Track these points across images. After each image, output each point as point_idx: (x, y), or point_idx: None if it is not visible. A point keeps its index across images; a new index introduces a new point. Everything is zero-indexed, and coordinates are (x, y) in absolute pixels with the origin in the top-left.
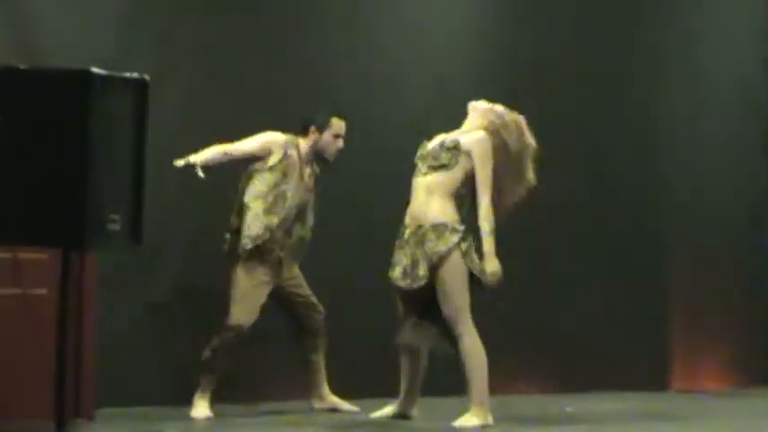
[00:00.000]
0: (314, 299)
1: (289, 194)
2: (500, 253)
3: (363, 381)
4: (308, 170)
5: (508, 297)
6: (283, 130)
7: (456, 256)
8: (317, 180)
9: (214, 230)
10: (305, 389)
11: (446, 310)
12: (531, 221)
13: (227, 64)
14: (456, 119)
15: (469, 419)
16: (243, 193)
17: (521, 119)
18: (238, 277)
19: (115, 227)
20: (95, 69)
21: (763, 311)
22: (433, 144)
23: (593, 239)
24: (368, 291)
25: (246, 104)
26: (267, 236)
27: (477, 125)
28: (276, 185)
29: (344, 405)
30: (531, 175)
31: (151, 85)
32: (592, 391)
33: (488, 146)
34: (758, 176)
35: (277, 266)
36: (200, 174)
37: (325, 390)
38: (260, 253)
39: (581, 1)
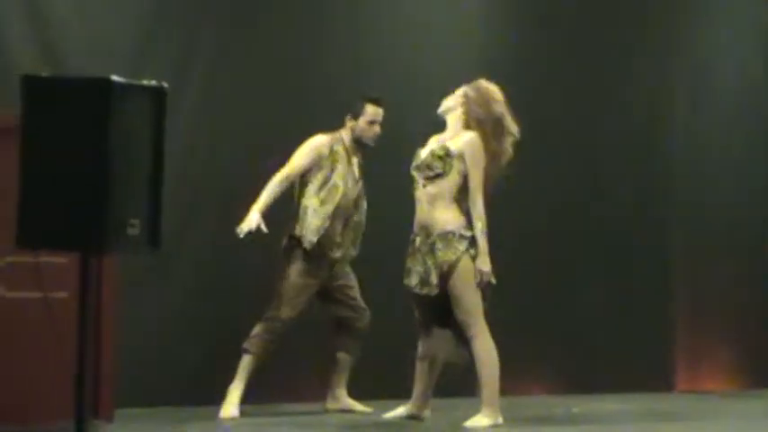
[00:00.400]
0: (362, 302)
1: (340, 184)
2: (504, 254)
3: (377, 382)
4: (354, 160)
5: (515, 298)
6: (298, 134)
7: (465, 262)
8: (363, 168)
9: (230, 232)
10: (319, 390)
11: (459, 314)
12: (535, 222)
13: (242, 72)
14: None
15: (480, 420)
16: (300, 198)
17: (491, 88)
18: (291, 273)
19: (134, 231)
20: (115, 77)
21: (763, 318)
22: (425, 153)
23: (597, 240)
24: (380, 291)
25: (262, 111)
26: (327, 224)
27: (459, 121)
28: (326, 180)
29: (358, 406)
30: (506, 146)
31: (169, 92)
32: (597, 392)
33: (478, 144)
34: (761, 177)
35: (330, 267)
36: (264, 229)
37: (343, 391)
38: (319, 251)
39: (583, 0)
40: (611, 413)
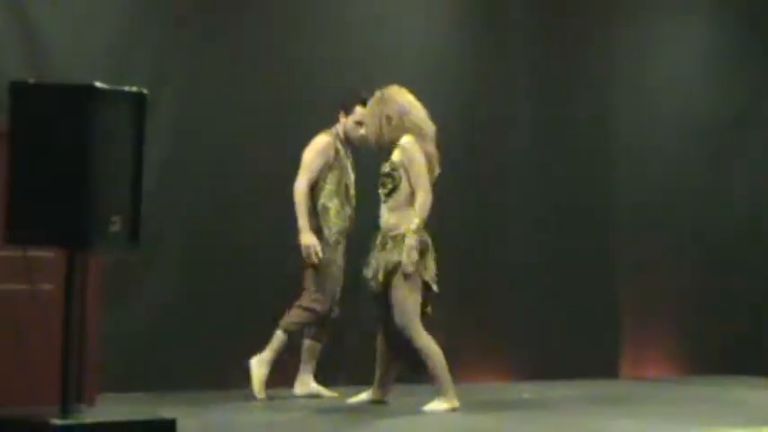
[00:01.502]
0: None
1: (350, 184)
2: (457, 248)
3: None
4: (349, 153)
5: (468, 290)
6: (277, 136)
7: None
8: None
9: (210, 231)
10: (288, 375)
11: (395, 314)
12: (484, 219)
13: (221, 75)
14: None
15: (438, 404)
16: (319, 197)
17: (392, 90)
18: (322, 266)
19: (115, 228)
20: (98, 84)
21: (705, 306)
22: (382, 170)
23: (548, 236)
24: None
25: (241, 113)
26: (348, 224)
27: (394, 131)
28: (340, 180)
29: (325, 391)
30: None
31: (149, 96)
32: (547, 378)
33: (413, 146)
34: (696, 181)
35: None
36: (320, 253)
37: (310, 377)
38: (339, 242)
39: (532, 21)
40: (559, 398)
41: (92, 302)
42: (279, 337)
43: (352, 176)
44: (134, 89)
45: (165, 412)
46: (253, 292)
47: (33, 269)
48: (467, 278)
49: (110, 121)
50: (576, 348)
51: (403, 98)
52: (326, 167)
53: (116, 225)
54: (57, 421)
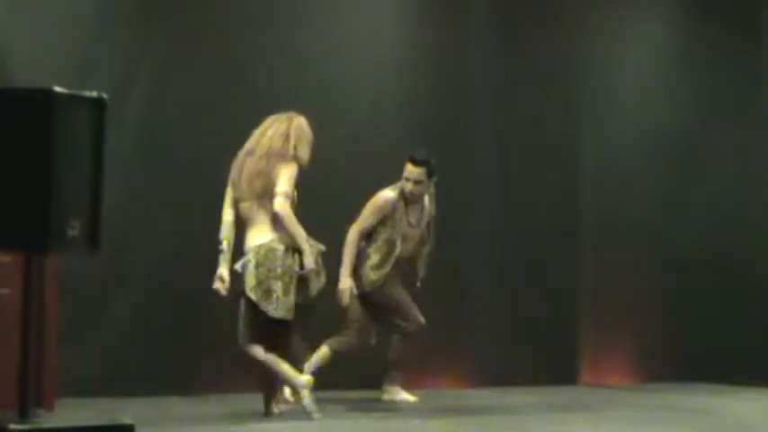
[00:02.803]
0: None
1: (397, 241)
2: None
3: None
4: (409, 208)
5: (428, 296)
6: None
7: None
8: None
9: (181, 233)
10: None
11: None
12: (449, 221)
13: (185, 77)
14: (396, 130)
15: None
16: (368, 245)
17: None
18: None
19: (75, 232)
20: (58, 89)
21: (665, 313)
22: None
23: (507, 242)
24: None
25: (204, 116)
26: (381, 282)
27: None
28: (388, 239)
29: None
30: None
31: (115, 100)
32: (506, 385)
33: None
34: (657, 186)
35: None
36: (355, 291)
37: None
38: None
39: (497, 34)
40: (518, 404)
41: (50, 307)
42: (324, 353)
43: (413, 228)
44: (94, 94)
45: (126, 418)
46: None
47: None
48: (425, 286)
49: (69, 126)
50: (534, 355)
51: None
52: (380, 225)
53: (75, 229)
54: (15, 426)
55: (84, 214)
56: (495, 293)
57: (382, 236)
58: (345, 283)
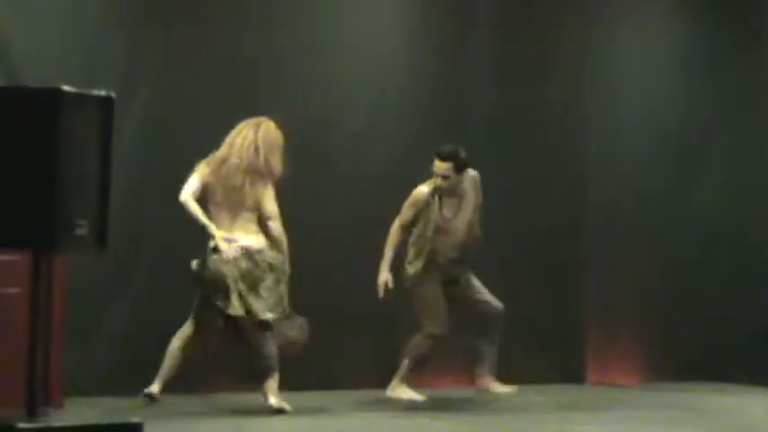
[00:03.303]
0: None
1: (429, 235)
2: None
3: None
4: (444, 201)
5: None
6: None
7: None
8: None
9: (184, 231)
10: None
11: None
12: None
13: (186, 77)
14: (395, 130)
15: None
16: (407, 239)
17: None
18: (416, 294)
19: (83, 231)
20: (66, 87)
21: (673, 311)
22: None
23: (512, 239)
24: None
25: (205, 116)
26: (420, 272)
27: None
28: (421, 233)
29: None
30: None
31: (118, 99)
32: (514, 383)
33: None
34: (662, 185)
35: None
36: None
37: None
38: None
39: (498, 19)
40: (525, 404)
41: (58, 306)
42: (406, 364)
43: (449, 222)
44: (102, 92)
45: (135, 416)
46: None
47: None
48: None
49: (77, 125)
50: (541, 354)
51: None
52: (416, 217)
53: (83, 228)
54: (23, 425)
55: (92, 213)
56: (498, 293)
57: (417, 230)
58: (381, 276)
